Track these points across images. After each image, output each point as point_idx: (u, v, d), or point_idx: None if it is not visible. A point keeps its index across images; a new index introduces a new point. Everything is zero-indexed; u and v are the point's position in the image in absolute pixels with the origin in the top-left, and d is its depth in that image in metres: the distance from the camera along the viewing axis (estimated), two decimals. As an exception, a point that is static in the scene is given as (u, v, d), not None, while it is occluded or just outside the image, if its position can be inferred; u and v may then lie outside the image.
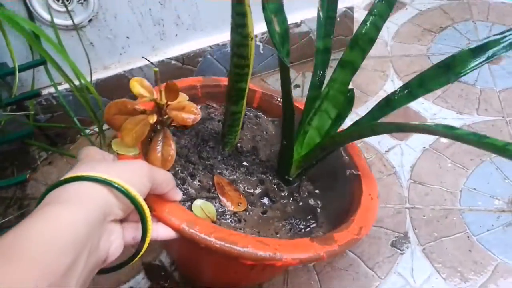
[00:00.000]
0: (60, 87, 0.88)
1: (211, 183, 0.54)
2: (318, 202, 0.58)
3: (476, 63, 0.47)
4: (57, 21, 0.82)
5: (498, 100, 0.92)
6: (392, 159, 0.85)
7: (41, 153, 0.97)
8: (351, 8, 1.05)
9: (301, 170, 0.58)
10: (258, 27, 0.99)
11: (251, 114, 0.68)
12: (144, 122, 0.44)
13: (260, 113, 0.69)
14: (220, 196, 0.53)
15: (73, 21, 0.78)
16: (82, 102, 0.69)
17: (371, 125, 0.50)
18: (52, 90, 0.89)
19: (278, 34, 0.50)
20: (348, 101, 0.59)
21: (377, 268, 0.70)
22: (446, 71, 0.49)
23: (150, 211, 0.39)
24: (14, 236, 0.28)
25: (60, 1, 0.79)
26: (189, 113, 0.46)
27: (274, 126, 0.67)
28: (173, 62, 0.95)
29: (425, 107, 0.93)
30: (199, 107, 0.65)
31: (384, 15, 0.55)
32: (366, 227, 0.51)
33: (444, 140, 0.86)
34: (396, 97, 0.53)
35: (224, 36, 0.97)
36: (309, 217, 0.55)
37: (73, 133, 1.01)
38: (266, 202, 0.56)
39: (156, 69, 0.45)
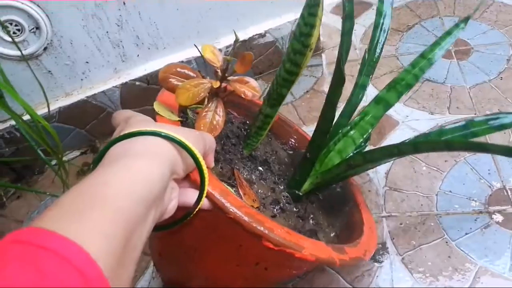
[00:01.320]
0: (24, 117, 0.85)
1: (231, 173, 0.55)
2: (320, 225, 0.59)
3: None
4: (9, 52, 0.79)
5: (469, 97, 0.91)
6: (366, 167, 0.83)
7: (8, 188, 0.94)
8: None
9: (312, 188, 0.59)
10: (225, 39, 0.98)
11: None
12: (203, 86, 0.45)
13: (272, 136, 0.70)
14: (238, 187, 0.53)
15: (20, 50, 0.76)
16: (35, 137, 0.66)
17: (414, 144, 0.49)
18: (14, 122, 0.86)
19: (344, 50, 0.54)
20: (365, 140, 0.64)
21: (357, 282, 0.68)
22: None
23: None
24: (95, 183, 0.29)
25: (12, 31, 0.76)
26: (251, 89, 0.48)
27: (282, 151, 0.69)
28: (137, 83, 0.93)
29: (396, 110, 0.91)
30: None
31: (424, 69, 0.61)
32: (369, 252, 0.54)
33: (417, 142, 0.85)
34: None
35: (188, 52, 0.95)
36: (311, 235, 0.55)
37: (41, 164, 0.98)
38: (276, 209, 0.56)
39: (238, 38, 0.47)
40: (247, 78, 0.48)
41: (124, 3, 0.81)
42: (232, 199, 0.42)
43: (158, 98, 0.50)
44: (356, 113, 0.65)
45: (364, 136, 0.61)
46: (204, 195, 0.40)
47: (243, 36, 0.98)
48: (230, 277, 0.56)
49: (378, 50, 0.63)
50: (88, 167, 0.97)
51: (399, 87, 0.61)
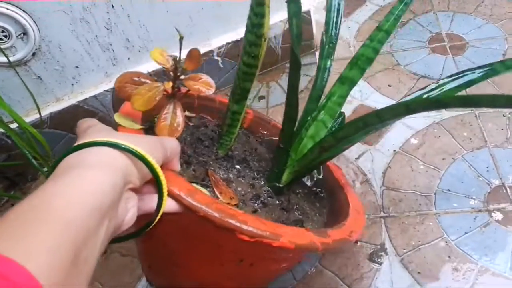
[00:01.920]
0: (13, 125, 0.83)
1: (205, 175, 0.54)
2: (307, 214, 0.59)
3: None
4: (-3, 59, 0.77)
5: (465, 93, 0.89)
6: (363, 166, 0.82)
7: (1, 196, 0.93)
8: (307, 12, 1.02)
9: (292, 178, 0.58)
10: (216, 40, 0.96)
11: (241, 132, 0.68)
12: (157, 89, 0.45)
13: (250, 134, 0.69)
14: (214, 187, 0.52)
15: (7, 57, 0.74)
16: (24, 145, 0.65)
17: (376, 112, 0.47)
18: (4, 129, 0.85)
19: (294, 34, 0.51)
20: (340, 123, 0.63)
21: (356, 284, 0.67)
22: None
23: None
24: (44, 197, 0.28)
25: (-3, 38, 0.75)
26: (205, 85, 0.47)
27: (262, 147, 0.68)
28: (129, 87, 0.91)
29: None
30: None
31: (383, 41, 0.60)
32: (356, 232, 0.53)
33: (414, 140, 0.84)
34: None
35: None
36: (297, 225, 0.55)
37: (34, 170, 0.97)
38: (257, 204, 0.55)
39: (182, 35, 0.46)
40: (201, 75, 0.48)
41: (112, 6, 0.80)
42: (200, 197, 0.42)
43: (120, 110, 0.49)
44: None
45: (335, 118, 0.60)
46: (164, 201, 0.40)
47: (235, 36, 0.96)
48: (218, 278, 0.54)
49: (333, 31, 0.62)
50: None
51: (360, 63, 0.60)
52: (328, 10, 0.62)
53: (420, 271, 0.66)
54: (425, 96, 0.56)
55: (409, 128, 0.86)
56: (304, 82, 1.02)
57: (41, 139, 0.71)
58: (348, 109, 0.94)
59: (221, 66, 1.00)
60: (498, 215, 0.70)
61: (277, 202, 0.58)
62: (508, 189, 0.73)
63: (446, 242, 0.68)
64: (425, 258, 0.67)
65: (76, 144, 0.35)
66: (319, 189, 0.64)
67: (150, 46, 0.89)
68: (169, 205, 0.41)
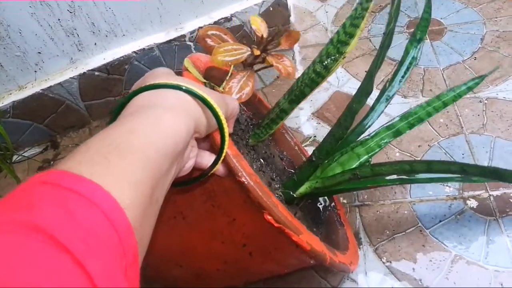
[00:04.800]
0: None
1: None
2: None
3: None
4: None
5: (443, 79, 0.88)
6: (339, 154, 0.80)
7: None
8: (283, -4, 0.99)
9: (307, 193, 0.58)
10: (189, 24, 0.93)
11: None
12: (242, 51, 0.45)
13: (272, 140, 0.69)
14: None
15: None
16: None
17: (428, 163, 0.50)
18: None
19: (376, 66, 0.53)
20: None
21: (330, 277, 0.65)
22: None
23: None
24: (122, 131, 0.28)
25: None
26: (286, 66, 0.47)
27: (279, 159, 0.67)
28: (96, 73, 0.87)
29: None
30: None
31: (439, 110, 0.63)
32: (354, 265, 0.54)
33: (390, 127, 0.82)
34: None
35: (150, 39, 0.89)
36: None
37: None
38: None
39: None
40: (285, 57, 0.48)
41: (75, -12, 0.76)
42: (244, 164, 0.41)
43: (189, 57, 0.49)
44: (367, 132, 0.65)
45: (369, 155, 0.61)
46: (222, 158, 0.39)
47: (208, 20, 0.93)
48: (210, 256, 0.52)
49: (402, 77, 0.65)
50: (49, 163, 0.91)
51: (412, 120, 0.62)
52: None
53: (394, 261, 0.65)
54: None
55: (384, 114, 0.84)
56: (280, 68, 0.99)
57: (1, 128, 0.67)
58: (324, 96, 0.91)
59: (194, 51, 0.96)
60: (473, 203, 0.69)
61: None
62: (483, 176, 0.71)
63: (420, 231, 0.67)
64: (399, 247, 0.66)
65: (150, 83, 0.34)
66: (320, 216, 0.63)
67: (117, 30, 0.85)
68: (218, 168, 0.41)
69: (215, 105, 0.35)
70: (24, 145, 0.93)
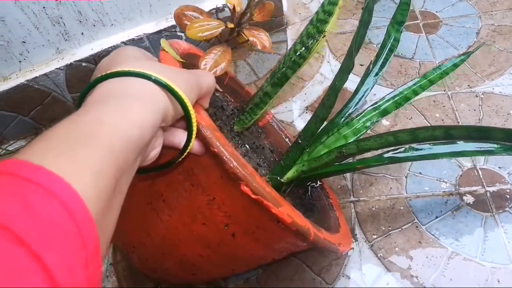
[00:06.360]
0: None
1: None
2: None
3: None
4: None
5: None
6: (333, 149, 0.79)
7: None
8: (277, -14, 0.97)
9: (295, 177, 0.57)
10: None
11: (254, 129, 0.66)
12: (216, 26, 0.44)
13: (262, 133, 0.68)
14: None
15: None
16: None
17: (412, 131, 0.50)
18: None
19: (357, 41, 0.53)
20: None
21: (324, 273, 0.64)
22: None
23: None
24: (87, 120, 0.28)
25: None
26: (262, 40, 0.46)
27: (267, 149, 0.66)
28: (83, 64, 0.84)
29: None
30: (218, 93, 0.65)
31: (424, 88, 0.62)
32: (343, 246, 0.52)
33: (386, 122, 0.81)
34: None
35: (139, 29, 0.86)
36: None
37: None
38: None
39: None
40: (262, 31, 0.47)
41: (61, -26, 0.73)
42: (219, 136, 0.39)
43: (168, 40, 0.48)
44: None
45: (357, 136, 0.60)
46: (191, 143, 0.38)
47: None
48: (192, 240, 0.50)
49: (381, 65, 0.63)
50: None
51: (398, 99, 0.61)
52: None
53: (390, 257, 0.64)
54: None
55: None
56: (273, 61, 0.97)
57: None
58: (318, 89, 0.90)
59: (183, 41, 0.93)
60: (469, 198, 0.68)
61: None
62: (480, 172, 0.70)
63: (417, 227, 0.66)
64: (395, 243, 0.65)
65: (117, 69, 0.33)
66: (311, 206, 0.61)
67: (106, 19, 0.82)
68: (195, 146, 0.41)
69: (182, 96, 0.35)
70: (9, 138, 0.90)
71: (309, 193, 0.62)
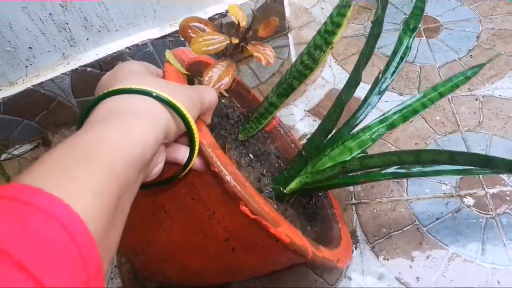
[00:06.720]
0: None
1: (222, 146, 0.53)
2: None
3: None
4: None
5: (439, 77, 0.88)
6: (335, 152, 0.79)
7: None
8: (279, -8, 0.98)
9: (298, 188, 0.57)
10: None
11: (260, 134, 0.67)
12: (221, 40, 0.44)
13: (268, 138, 0.69)
14: None
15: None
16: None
17: (416, 152, 0.50)
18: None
19: (366, 54, 0.52)
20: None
21: (326, 274, 0.65)
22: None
23: None
24: (89, 140, 0.28)
25: None
26: (267, 55, 0.46)
27: (273, 155, 0.67)
28: (89, 69, 0.86)
29: (365, 91, 0.87)
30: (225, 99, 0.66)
31: (434, 101, 0.61)
32: (342, 262, 0.52)
33: (387, 125, 0.81)
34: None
35: (143, 34, 0.88)
36: None
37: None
38: None
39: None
40: (267, 46, 0.47)
41: (67, -19, 0.74)
42: (220, 154, 0.40)
43: (173, 51, 0.49)
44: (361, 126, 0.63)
45: (362, 149, 0.60)
46: (194, 159, 0.39)
47: (203, 16, 0.91)
48: (193, 251, 0.51)
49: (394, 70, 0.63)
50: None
51: (406, 112, 0.61)
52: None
53: (391, 259, 0.64)
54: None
55: (381, 112, 0.84)
56: (275, 65, 0.99)
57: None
58: (320, 93, 0.91)
59: (189, 47, 0.95)
60: (469, 200, 0.68)
61: (275, 206, 0.56)
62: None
63: (417, 229, 0.67)
64: (396, 245, 0.66)
65: (119, 87, 0.33)
66: (314, 216, 0.62)
67: (110, 25, 0.83)
68: (197, 163, 0.41)
69: (184, 112, 0.35)
70: (15, 142, 0.91)
71: (313, 202, 0.63)
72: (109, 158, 0.27)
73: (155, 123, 0.32)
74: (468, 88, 0.84)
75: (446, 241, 0.65)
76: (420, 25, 0.98)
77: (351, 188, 0.74)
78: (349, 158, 0.59)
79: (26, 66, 0.82)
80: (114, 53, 0.86)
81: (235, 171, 0.40)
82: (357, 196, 0.72)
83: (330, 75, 0.93)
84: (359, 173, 0.56)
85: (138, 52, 0.88)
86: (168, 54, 0.47)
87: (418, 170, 0.54)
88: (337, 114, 0.53)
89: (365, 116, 0.62)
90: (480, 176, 0.71)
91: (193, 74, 0.48)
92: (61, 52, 0.83)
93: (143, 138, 0.30)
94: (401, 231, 0.67)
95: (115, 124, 0.30)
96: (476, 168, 0.51)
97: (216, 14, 0.91)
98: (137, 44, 0.87)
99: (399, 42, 0.62)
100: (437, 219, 0.67)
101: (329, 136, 0.58)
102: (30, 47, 0.80)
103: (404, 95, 0.86)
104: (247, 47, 0.46)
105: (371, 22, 0.52)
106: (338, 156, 0.59)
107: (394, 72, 0.61)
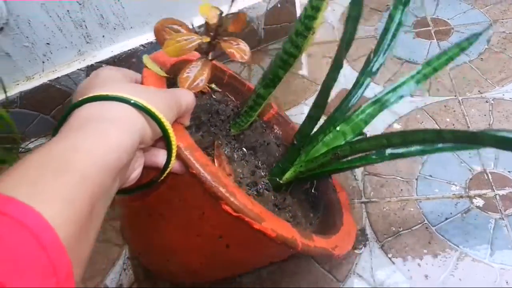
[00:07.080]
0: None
1: (210, 144, 0.54)
2: (298, 218, 0.57)
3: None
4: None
5: (449, 79, 0.88)
6: (345, 151, 0.80)
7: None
8: (291, -8, 0.99)
9: (294, 178, 0.57)
10: (198, 18, 0.92)
11: (259, 124, 0.67)
12: (193, 39, 0.44)
13: (267, 128, 0.68)
14: (214, 158, 0.52)
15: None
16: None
17: (402, 133, 0.47)
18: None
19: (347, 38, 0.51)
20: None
21: (335, 271, 0.66)
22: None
23: None
24: (62, 147, 0.28)
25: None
26: (240, 51, 0.46)
27: (273, 144, 0.67)
28: (104, 65, 0.87)
29: (376, 93, 0.88)
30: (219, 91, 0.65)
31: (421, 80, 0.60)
32: (341, 249, 0.52)
33: (397, 126, 0.82)
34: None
35: (158, 33, 0.89)
36: None
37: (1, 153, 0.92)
38: (251, 191, 0.54)
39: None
40: (239, 41, 0.47)
41: (85, -21, 0.76)
42: (198, 155, 0.40)
43: (151, 55, 0.49)
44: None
45: (356, 132, 0.59)
46: (172, 163, 0.39)
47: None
48: (190, 250, 0.51)
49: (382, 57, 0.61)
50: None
51: (399, 90, 0.60)
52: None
53: (400, 257, 0.65)
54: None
55: (392, 113, 0.85)
56: (287, 65, 1.00)
57: (9, 119, 0.67)
58: (331, 93, 0.91)
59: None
60: (479, 201, 0.69)
61: (272, 197, 0.56)
62: (489, 175, 0.72)
63: (426, 228, 0.67)
64: (405, 243, 0.66)
65: (94, 94, 0.34)
66: (318, 202, 0.62)
67: (126, 23, 0.85)
68: (173, 164, 0.41)
69: (159, 116, 0.35)
70: (30, 136, 0.93)
71: (313, 188, 0.63)
72: (82, 165, 0.27)
73: (130, 129, 0.33)
74: (479, 91, 0.85)
75: (455, 241, 0.65)
76: (431, 28, 0.99)
77: (360, 186, 0.74)
78: (343, 142, 0.58)
79: (43, 62, 0.84)
80: (128, 50, 0.87)
81: (215, 171, 0.40)
82: (367, 195, 0.73)
83: (341, 76, 0.94)
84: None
85: (152, 50, 0.89)
86: (146, 59, 0.47)
87: (415, 149, 0.52)
88: (323, 100, 0.52)
89: (358, 99, 0.60)
90: (490, 176, 0.71)
91: (175, 76, 0.48)
92: (77, 49, 0.85)
93: (117, 143, 0.30)
94: (410, 230, 0.68)
95: (90, 131, 0.30)
96: (464, 144, 0.51)
97: (229, 14, 0.92)
98: (151, 42, 0.88)
99: (390, 18, 0.59)
100: (446, 219, 0.68)
101: (322, 123, 0.58)
102: (48, 43, 0.81)
103: (415, 97, 0.86)
104: (220, 43, 0.46)
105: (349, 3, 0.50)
106: (332, 141, 0.59)
107: (386, 50, 0.59)
